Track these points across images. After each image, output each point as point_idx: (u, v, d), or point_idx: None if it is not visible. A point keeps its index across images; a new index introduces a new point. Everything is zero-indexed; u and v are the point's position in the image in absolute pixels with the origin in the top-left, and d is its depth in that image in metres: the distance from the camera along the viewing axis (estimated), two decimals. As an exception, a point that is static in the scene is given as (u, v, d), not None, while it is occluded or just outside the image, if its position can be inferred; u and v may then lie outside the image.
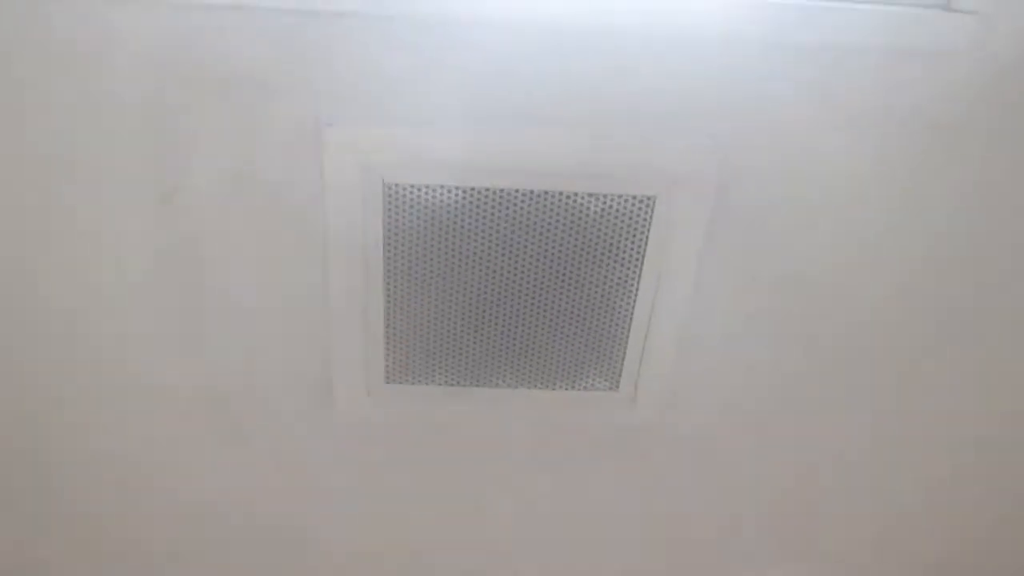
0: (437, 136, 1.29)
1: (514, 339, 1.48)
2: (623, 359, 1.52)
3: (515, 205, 1.35)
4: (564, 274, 1.42)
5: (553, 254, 1.40)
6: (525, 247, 1.39)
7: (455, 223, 1.36)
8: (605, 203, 1.36)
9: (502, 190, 1.34)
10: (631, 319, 1.48)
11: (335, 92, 1.25)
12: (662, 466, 1.68)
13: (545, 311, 1.46)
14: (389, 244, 1.38)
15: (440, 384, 1.54)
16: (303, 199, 1.33)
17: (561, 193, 1.35)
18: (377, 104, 1.26)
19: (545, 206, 1.35)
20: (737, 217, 1.38)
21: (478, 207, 1.35)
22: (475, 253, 1.39)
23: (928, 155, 1.31)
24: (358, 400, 1.55)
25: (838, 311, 1.48)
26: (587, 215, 1.36)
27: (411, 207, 1.35)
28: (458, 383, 1.54)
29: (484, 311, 1.45)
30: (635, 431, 1.63)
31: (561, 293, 1.44)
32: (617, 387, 1.56)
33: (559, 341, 1.49)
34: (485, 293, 1.43)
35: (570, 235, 1.38)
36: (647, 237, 1.39)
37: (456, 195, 1.34)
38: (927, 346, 1.51)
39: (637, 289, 1.45)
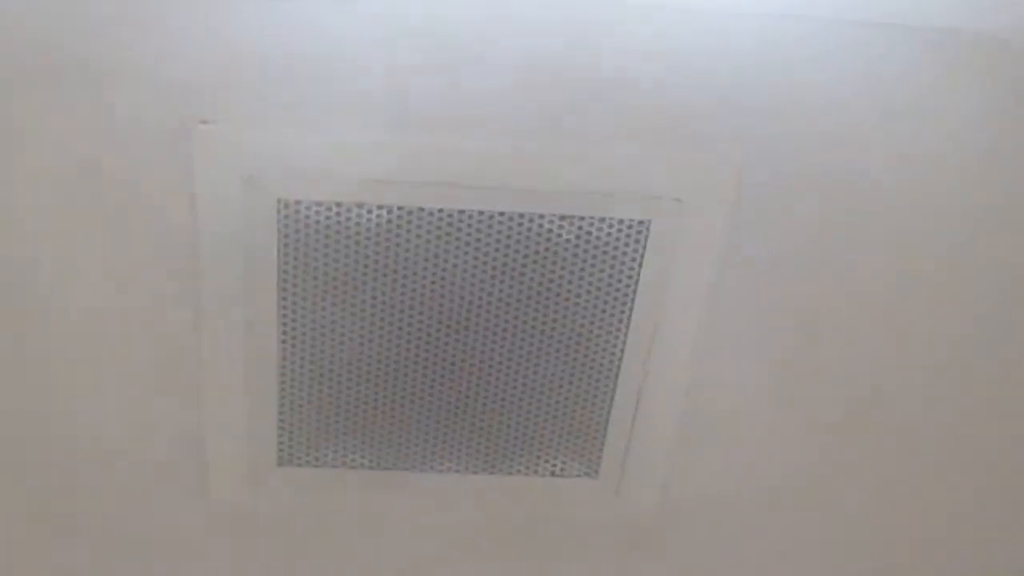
0: (351, 139, 1.27)
1: (458, 408, 1.49)
2: (604, 435, 1.52)
3: (458, 231, 1.35)
4: (526, 322, 1.42)
5: (511, 296, 1.40)
6: (472, 286, 1.39)
7: (375, 255, 1.36)
8: (582, 229, 1.35)
9: (440, 211, 1.33)
10: (615, 382, 1.48)
11: (211, 79, 1.25)
12: (653, 574, 1.69)
13: (500, 371, 1.46)
14: (286, 281, 1.37)
15: (354, 467, 1.53)
16: (169, 223, 1.33)
17: (522, 216, 1.34)
18: (269, 96, 1.26)
19: (500, 232, 1.35)
20: (757, 247, 1.39)
21: (408, 233, 1.34)
22: (403, 294, 1.39)
23: (1001, 156, 1.34)
24: (241, 487, 1.54)
25: (885, 371, 1.51)
26: (558, 245, 1.36)
27: (315, 233, 1.34)
28: (380, 466, 1.53)
29: (416, 370, 1.45)
30: (619, 529, 1.64)
31: (521, 347, 1.44)
32: (596, 472, 1.55)
33: (518, 411, 1.50)
34: (417, 347, 1.43)
35: (534, 271, 1.38)
36: (638, 274, 1.39)
37: (377, 218, 1.33)
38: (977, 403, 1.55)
39: (624, 341, 1.44)
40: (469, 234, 1.35)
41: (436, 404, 1.49)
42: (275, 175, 1.30)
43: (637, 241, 1.37)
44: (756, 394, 1.52)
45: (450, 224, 1.34)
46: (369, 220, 1.33)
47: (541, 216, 1.34)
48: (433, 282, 1.38)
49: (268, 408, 1.48)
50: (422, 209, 1.33)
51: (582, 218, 1.35)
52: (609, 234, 1.36)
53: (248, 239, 1.34)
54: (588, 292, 1.40)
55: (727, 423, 1.55)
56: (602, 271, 1.39)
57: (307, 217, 1.33)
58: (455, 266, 1.37)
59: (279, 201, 1.31)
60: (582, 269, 1.39)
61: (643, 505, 1.60)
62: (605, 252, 1.38)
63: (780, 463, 1.60)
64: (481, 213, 1.33)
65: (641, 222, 1.35)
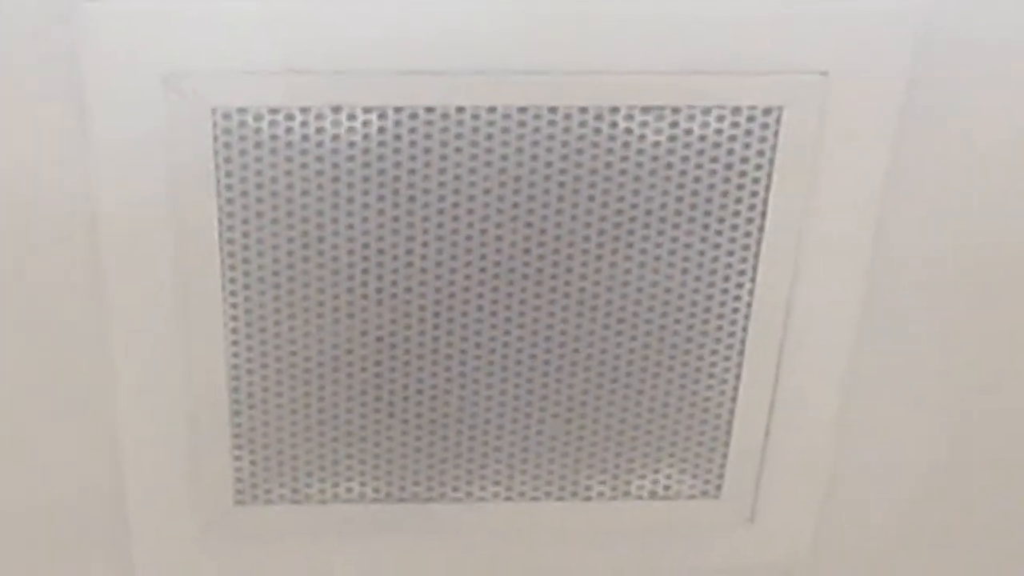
0: (316, 7, 1.27)
1: (502, 405, 1.51)
2: (727, 435, 1.54)
3: (488, 140, 1.35)
4: (597, 270, 1.43)
5: (572, 231, 1.41)
6: (513, 221, 1.40)
7: (364, 183, 1.36)
8: (677, 125, 1.35)
9: (460, 111, 1.33)
10: (740, 355, 1.49)
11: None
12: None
13: (560, 348, 1.48)
14: (232, 231, 1.38)
15: (349, 500, 1.56)
16: (54, 152, 1.34)
17: (584, 111, 1.33)
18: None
19: (552, 138, 1.35)
20: (940, 141, 1.40)
21: (411, 148, 1.34)
22: (410, 240, 1.40)
23: None
24: (182, 540, 1.57)
25: None
26: (641, 151, 1.36)
27: (271, 156, 1.34)
28: (388, 496, 1.56)
29: (435, 350, 1.47)
30: (754, 572, 1.66)
31: (592, 311, 1.45)
32: (718, 492, 1.58)
33: (594, 405, 1.51)
34: (436, 317, 1.45)
35: (605, 192, 1.38)
36: (766, 190, 1.40)
37: (364, 127, 1.33)
38: None
39: (751, 292, 1.46)
40: (505, 143, 1.35)
41: (468, 400, 1.50)
42: (206, 71, 1.29)
43: (763, 139, 1.36)
44: (937, 374, 1.56)
45: (475, 131, 1.34)
46: (352, 131, 1.33)
47: (614, 110, 1.33)
48: (454, 218, 1.38)
49: (216, 423, 1.49)
50: (431, 110, 1.32)
51: (676, 109, 1.34)
52: (719, 131, 1.36)
53: (171, 172, 1.34)
54: (688, 221, 1.41)
55: (919, 404, 1.58)
56: (710, 188, 1.39)
57: (258, 133, 1.33)
58: (486, 192, 1.37)
59: (215, 112, 1.31)
60: (679, 186, 1.38)
61: (789, 537, 1.63)
62: (714, 159, 1.37)
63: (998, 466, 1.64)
64: (522, 111, 1.33)
65: (768, 109, 1.35)
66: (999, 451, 1.66)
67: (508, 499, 1.58)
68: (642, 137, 1.36)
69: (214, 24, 1.28)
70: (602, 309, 1.46)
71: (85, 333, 1.47)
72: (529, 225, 1.40)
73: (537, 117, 1.34)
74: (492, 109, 1.33)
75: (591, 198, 1.39)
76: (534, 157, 1.36)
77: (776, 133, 1.37)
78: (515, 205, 1.39)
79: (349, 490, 1.56)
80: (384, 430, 1.53)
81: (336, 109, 1.32)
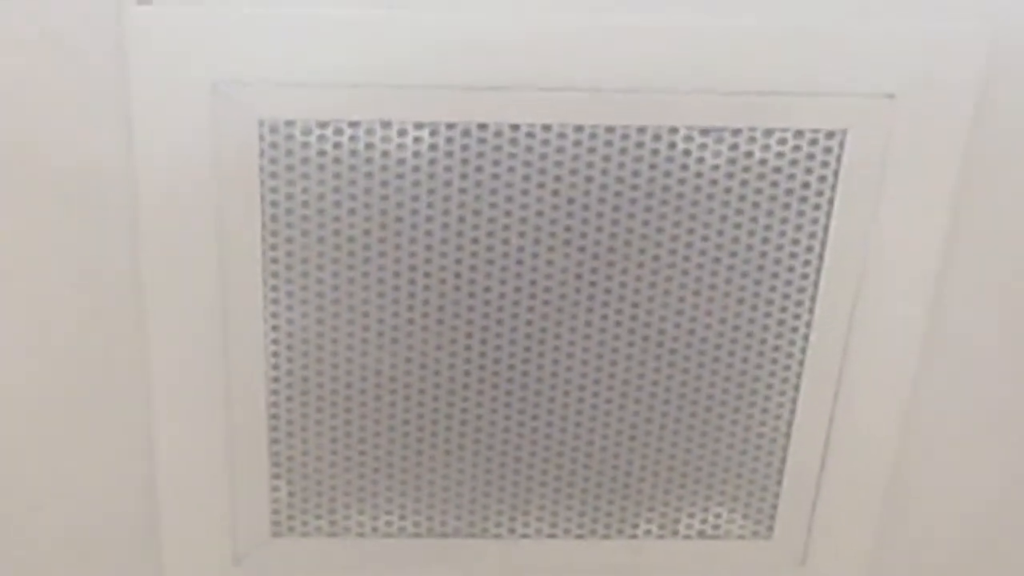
0: (367, 18, 1.28)
1: (548, 438, 1.51)
2: (780, 475, 1.55)
3: (542, 160, 1.35)
4: (650, 299, 1.43)
5: (626, 258, 1.40)
6: (567, 246, 1.39)
7: (413, 201, 1.36)
8: (737, 148, 1.35)
9: (514, 129, 1.33)
10: (796, 392, 1.49)
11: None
12: None
13: (611, 381, 1.47)
14: (275, 248, 1.39)
15: (388, 534, 1.57)
16: (96, 162, 1.35)
17: (642, 131, 1.34)
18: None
19: (608, 159, 1.35)
20: (1008, 166, 1.40)
21: (463, 167, 1.35)
22: (460, 262, 1.40)
23: None
24: (217, 571, 1.59)
25: None
26: (700, 174, 1.36)
27: (318, 170, 1.35)
28: (429, 531, 1.57)
29: (482, 380, 1.46)
30: None
31: (644, 342, 1.45)
32: (769, 532, 1.58)
33: (644, 441, 1.52)
34: (483, 345, 1.44)
35: (662, 216, 1.38)
36: (827, 216, 1.40)
37: (415, 144, 1.34)
38: None
39: (808, 325, 1.45)
40: (559, 162, 1.35)
41: (513, 434, 1.51)
42: (255, 82, 1.31)
43: (825, 164, 1.36)
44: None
45: (529, 149, 1.34)
46: (403, 148, 1.33)
47: (672, 130, 1.34)
48: (504, 241, 1.38)
49: (254, 452, 1.50)
50: (484, 127, 1.33)
51: (736, 131, 1.35)
52: (780, 154, 1.36)
53: (216, 183, 1.35)
54: (746, 248, 1.41)
55: (966, 455, 1.58)
56: (769, 214, 1.39)
57: (305, 146, 1.34)
58: (538, 214, 1.38)
59: (262, 124, 1.33)
60: (738, 211, 1.39)
61: (842, 577, 1.59)
62: (774, 184, 1.37)
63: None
64: (578, 129, 1.33)
65: (831, 133, 1.34)
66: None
67: (552, 536, 1.57)
68: (700, 159, 1.36)
69: (265, 35, 1.29)
70: (654, 339, 1.45)
71: (124, 357, 1.48)
72: (582, 250, 1.39)
73: (593, 136, 1.34)
74: (547, 127, 1.33)
75: (646, 222, 1.38)
76: (589, 178, 1.36)
77: (839, 158, 1.37)
78: (568, 228, 1.38)
79: (388, 524, 1.56)
80: (426, 462, 1.51)
81: (386, 124, 1.33)
